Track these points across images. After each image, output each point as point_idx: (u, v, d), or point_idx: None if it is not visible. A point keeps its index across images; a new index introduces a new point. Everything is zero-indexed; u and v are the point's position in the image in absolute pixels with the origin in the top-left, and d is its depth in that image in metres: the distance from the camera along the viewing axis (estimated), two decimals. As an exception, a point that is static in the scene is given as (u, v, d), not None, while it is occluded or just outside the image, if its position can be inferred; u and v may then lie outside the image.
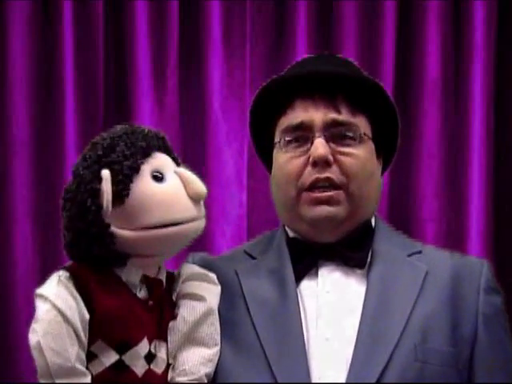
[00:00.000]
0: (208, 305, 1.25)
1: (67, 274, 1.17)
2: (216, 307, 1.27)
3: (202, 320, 1.24)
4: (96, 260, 1.19)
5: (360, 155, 1.32)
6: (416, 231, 2.50)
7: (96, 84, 2.49)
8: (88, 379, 1.14)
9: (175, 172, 1.23)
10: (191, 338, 1.23)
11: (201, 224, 1.24)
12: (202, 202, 1.24)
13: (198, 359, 1.22)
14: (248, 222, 2.50)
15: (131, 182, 1.18)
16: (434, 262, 1.33)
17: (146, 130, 1.26)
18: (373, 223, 1.39)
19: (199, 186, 1.22)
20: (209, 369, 1.23)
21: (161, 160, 1.24)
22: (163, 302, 1.24)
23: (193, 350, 1.22)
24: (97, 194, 1.17)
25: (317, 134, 1.30)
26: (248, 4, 2.55)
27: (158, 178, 1.21)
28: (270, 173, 1.41)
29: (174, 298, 1.26)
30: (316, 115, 1.31)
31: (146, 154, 1.22)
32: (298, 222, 1.34)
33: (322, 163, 1.29)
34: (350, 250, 1.32)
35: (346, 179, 1.30)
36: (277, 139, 1.36)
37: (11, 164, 2.45)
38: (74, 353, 1.12)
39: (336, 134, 1.31)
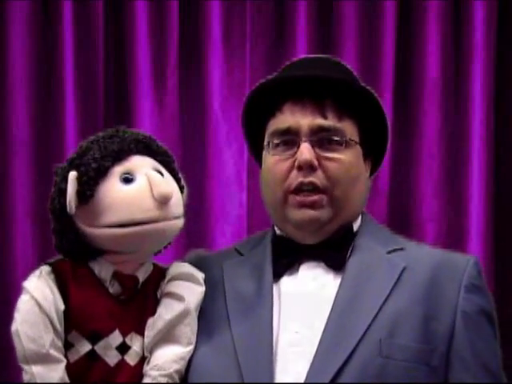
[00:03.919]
0: (186, 305, 1.30)
1: (49, 269, 1.28)
2: (194, 307, 1.32)
3: (178, 319, 1.30)
4: (71, 253, 1.30)
5: (345, 160, 1.35)
6: (416, 231, 2.50)
7: (96, 84, 2.49)
8: (62, 365, 1.23)
9: (145, 174, 1.28)
10: (166, 336, 1.29)
11: (169, 225, 1.29)
12: (175, 204, 1.29)
13: (170, 356, 1.28)
14: (248, 222, 2.50)
15: (96, 183, 1.26)
16: (415, 259, 1.35)
17: (127, 134, 1.32)
18: (358, 223, 1.42)
19: (163, 187, 1.27)
20: (180, 366, 1.29)
21: (135, 163, 1.29)
22: (146, 298, 1.31)
23: (167, 347, 1.29)
24: (63, 193, 1.26)
25: (303, 139, 1.34)
26: (248, 4, 2.55)
27: (128, 179, 1.27)
28: None
29: (158, 295, 1.33)
30: (303, 120, 1.34)
31: (118, 157, 1.28)
32: (284, 223, 1.38)
33: (306, 167, 1.33)
34: (331, 250, 1.36)
35: (329, 184, 1.34)
36: (265, 142, 1.40)
37: (11, 164, 2.46)
38: (48, 340, 1.22)
39: (321, 139, 1.35)
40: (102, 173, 1.26)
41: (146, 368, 1.28)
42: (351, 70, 1.45)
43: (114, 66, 2.53)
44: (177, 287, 1.32)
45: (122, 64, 2.53)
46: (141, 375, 1.28)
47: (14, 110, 2.46)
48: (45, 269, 1.28)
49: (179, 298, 1.30)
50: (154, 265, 1.36)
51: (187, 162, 2.50)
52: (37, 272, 1.28)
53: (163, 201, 1.26)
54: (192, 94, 2.55)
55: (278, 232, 1.42)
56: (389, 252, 1.36)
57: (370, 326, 1.26)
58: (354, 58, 2.53)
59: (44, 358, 1.22)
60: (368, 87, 1.40)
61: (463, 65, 2.54)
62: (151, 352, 1.29)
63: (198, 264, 1.39)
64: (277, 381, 1.25)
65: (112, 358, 1.25)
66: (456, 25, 2.55)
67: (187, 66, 2.56)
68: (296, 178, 1.34)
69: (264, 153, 1.41)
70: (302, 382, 1.24)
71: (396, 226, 2.49)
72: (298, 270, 1.36)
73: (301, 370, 1.25)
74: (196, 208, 2.50)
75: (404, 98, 2.55)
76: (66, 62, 2.47)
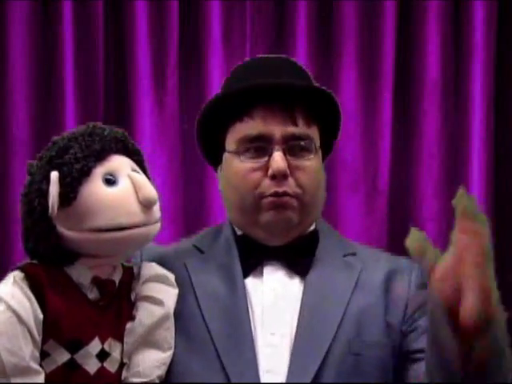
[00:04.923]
0: (165, 309, 1.27)
1: (22, 275, 1.18)
2: (172, 310, 1.29)
3: (158, 324, 1.26)
4: (46, 257, 1.21)
5: (313, 167, 1.38)
6: (416, 231, 2.50)
7: (96, 84, 2.49)
8: (41, 377, 1.16)
9: (128, 176, 1.22)
10: (147, 341, 1.25)
11: (151, 230, 1.24)
12: (155, 207, 1.24)
13: (152, 362, 1.25)
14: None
15: (80, 184, 1.18)
16: (367, 262, 1.41)
17: (106, 132, 1.25)
18: (315, 225, 1.45)
19: (149, 191, 1.21)
20: (161, 371, 1.26)
21: (116, 163, 1.23)
22: (121, 302, 1.26)
23: (148, 353, 1.25)
24: (44, 194, 1.18)
25: (276, 147, 1.34)
26: (248, 4, 2.55)
27: (110, 181, 1.21)
28: (215, 170, 1.46)
29: (132, 297, 1.28)
30: (275, 128, 1.34)
31: (100, 157, 1.21)
32: (253, 227, 1.39)
33: (280, 176, 1.33)
34: (295, 253, 1.39)
35: (300, 191, 1.36)
36: (232, 146, 1.38)
37: (11, 164, 2.46)
38: (28, 352, 1.14)
39: (293, 146, 1.36)
40: (86, 173, 1.19)
41: (127, 374, 1.24)
42: (306, 71, 1.45)
43: (114, 65, 2.53)
44: (154, 291, 1.28)
45: (122, 64, 2.53)
46: (121, 381, 1.24)
47: (14, 109, 2.46)
48: (18, 275, 1.18)
49: (158, 302, 1.27)
50: (122, 265, 1.31)
51: (187, 162, 2.50)
52: (9, 278, 1.18)
53: (148, 205, 1.21)
54: (192, 93, 2.55)
55: (238, 232, 1.42)
56: (344, 255, 1.42)
57: (339, 325, 1.31)
58: (354, 58, 2.54)
59: (24, 371, 1.14)
60: (324, 88, 1.40)
61: (463, 65, 2.54)
62: (130, 358, 1.24)
63: (158, 262, 1.35)
64: (262, 381, 1.27)
65: (92, 365, 1.19)
66: (456, 25, 2.55)
67: (187, 65, 2.56)
68: (269, 188, 1.34)
69: (228, 156, 1.39)
70: (284, 382, 1.27)
71: (396, 226, 2.52)
72: (262, 271, 1.38)
73: (279, 371, 1.28)
74: (196, 208, 2.50)
75: (404, 98, 2.55)
76: (66, 62, 2.47)
